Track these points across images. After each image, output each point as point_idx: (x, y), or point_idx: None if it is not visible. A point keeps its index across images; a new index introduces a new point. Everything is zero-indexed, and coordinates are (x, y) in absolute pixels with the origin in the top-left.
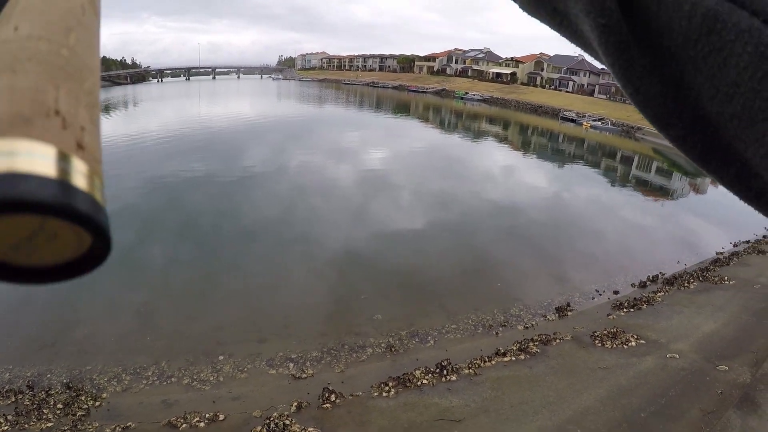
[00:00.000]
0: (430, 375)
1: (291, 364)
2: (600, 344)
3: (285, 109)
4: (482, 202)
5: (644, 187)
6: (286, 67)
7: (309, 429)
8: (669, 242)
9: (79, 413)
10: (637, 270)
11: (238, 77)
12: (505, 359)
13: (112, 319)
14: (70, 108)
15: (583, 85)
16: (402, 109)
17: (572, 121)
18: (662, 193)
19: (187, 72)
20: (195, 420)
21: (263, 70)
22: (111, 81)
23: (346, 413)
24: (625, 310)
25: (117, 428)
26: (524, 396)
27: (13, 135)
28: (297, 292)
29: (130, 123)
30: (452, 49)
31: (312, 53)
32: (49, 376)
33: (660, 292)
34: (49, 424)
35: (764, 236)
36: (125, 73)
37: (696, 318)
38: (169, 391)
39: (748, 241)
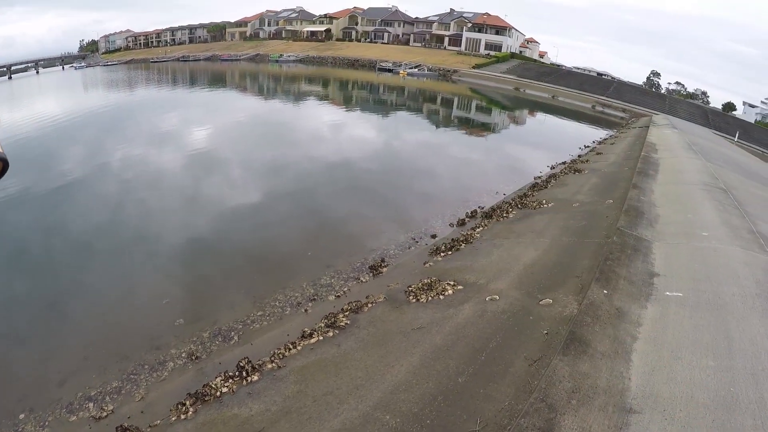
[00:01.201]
0: (230, 380)
1: (90, 404)
2: (415, 300)
3: (91, 101)
4: (312, 164)
5: (467, 124)
6: (89, 53)
7: None
8: (490, 174)
9: None
10: (456, 208)
11: (37, 72)
12: (312, 341)
13: None
14: None
15: (399, 35)
16: (217, 80)
17: (389, 71)
18: (484, 128)
19: None
20: None
21: (64, 60)
22: None
23: None
24: (442, 254)
25: None
26: (330, 384)
27: None
28: (98, 312)
29: None
30: (264, 11)
31: (116, 33)
32: None
33: (479, 227)
34: None
35: (579, 156)
36: None
37: (516, 248)
38: None
39: (564, 162)
